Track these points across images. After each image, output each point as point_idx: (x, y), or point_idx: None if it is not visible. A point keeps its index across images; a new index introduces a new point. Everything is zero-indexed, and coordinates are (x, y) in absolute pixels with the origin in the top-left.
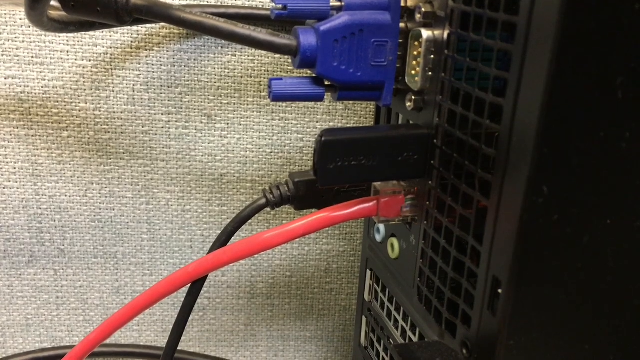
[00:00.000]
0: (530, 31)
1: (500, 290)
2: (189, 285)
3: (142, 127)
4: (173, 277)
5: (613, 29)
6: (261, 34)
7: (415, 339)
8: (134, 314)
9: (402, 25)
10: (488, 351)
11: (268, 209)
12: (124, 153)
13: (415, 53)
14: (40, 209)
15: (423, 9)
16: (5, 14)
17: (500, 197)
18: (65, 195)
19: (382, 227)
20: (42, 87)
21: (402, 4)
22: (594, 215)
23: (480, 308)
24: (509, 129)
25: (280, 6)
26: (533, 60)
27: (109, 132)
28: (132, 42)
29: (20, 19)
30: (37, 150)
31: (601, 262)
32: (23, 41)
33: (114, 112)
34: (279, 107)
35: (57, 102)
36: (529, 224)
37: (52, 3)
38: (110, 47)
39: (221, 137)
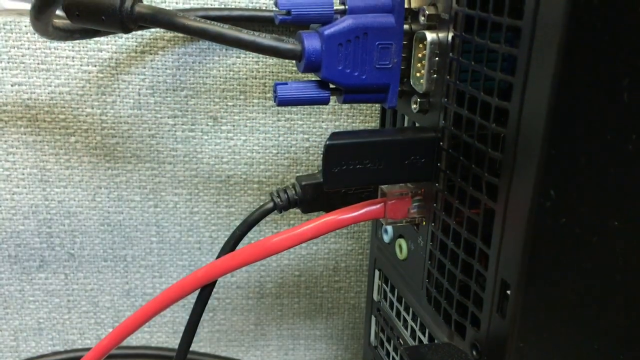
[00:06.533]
0: (535, 35)
1: (509, 292)
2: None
3: (149, 130)
4: (183, 283)
5: (618, 31)
6: (265, 39)
7: (424, 340)
8: (145, 320)
9: (406, 27)
10: (498, 353)
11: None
12: (131, 157)
13: (420, 55)
14: (49, 214)
15: (427, 11)
16: (10, 22)
17: (508, 200)
18: (74, 200)
19: (389, 228)
20: (48, 93)
21: (406, 6)
22: (601, 217)
23: (489, 310)
24: (515, 132)
25: (284, 11)
26: (538, 64)
27: (115, 137)
28: (136, 46)
29: (25, 26)
30: (45, 155)
31: (609, 263)
32: (29, 48)
33: (121, 117)
34: (284, 108)
35: (64, 107)
36: (537, 227)
37: (57, 12)
38: (115, 52)
39: (227, 139)
